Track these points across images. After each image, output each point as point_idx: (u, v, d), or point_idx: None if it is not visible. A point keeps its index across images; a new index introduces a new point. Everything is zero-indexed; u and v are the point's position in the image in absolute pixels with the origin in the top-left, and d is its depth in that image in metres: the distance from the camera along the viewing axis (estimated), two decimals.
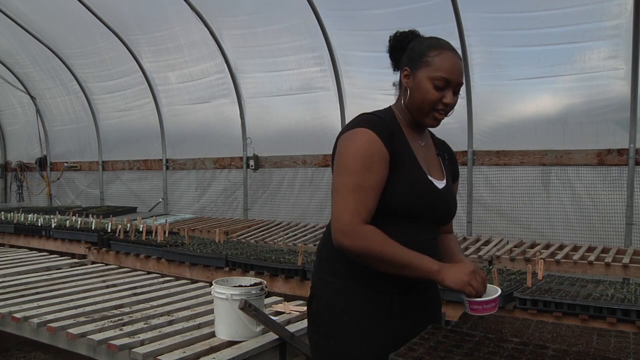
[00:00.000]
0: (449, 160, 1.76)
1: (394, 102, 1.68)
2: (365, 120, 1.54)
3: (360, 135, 1.49)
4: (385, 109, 1.65)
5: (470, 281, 1.45)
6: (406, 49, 1.61)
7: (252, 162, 7.17)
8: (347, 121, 7.05)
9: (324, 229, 1.74)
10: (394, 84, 1.68)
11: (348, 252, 1.48)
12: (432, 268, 1.46)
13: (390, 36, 1.65)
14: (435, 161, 1.69)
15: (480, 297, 1.48)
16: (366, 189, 1.47)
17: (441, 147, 1.77)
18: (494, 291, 1.54)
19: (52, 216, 6.37)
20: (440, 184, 1.63)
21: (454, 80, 1.55)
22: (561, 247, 4.38)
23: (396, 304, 1.58)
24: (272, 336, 2.41)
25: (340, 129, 1.60)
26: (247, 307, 2.27)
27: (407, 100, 1.59)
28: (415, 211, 1.56)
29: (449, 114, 1.60)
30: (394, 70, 1.67)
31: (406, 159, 1.54)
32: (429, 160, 1.65)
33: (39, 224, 5.87)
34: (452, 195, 1.69)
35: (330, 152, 1.61)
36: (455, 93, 1.57)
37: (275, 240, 5.04)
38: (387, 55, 1.67)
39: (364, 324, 1.55)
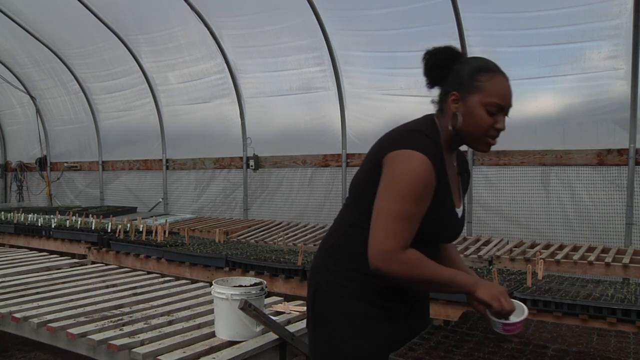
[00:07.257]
0: (467, 179, 1.75)
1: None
2: (422, 144, 1.48)
3: (418, 163, 1.44)
4: (430, 125, 1.58)
5: (500, 297, 1.47)
6: (448, 68, 1.55)
7: (252, 162, 7.17)
8: (347, 121, 7.00)
9: (330, 229, 1.72)
10: (432, 102, 1.62)
11: (387, 277, 1.46)
12: (468, 281, 1.51)
13: (426, 52, 1.57)
14: (456, 184, 1.64)
15: (506, 317, 1.50)
16: (414, 218, 1.46)
17: (462, 165, 1.72)
18: (520, 309, 1.54)
19: (52, 216, 6.36)
20: (459, 211, 1.62)
21: (507, 105, 1.53)
22: (561, 247, 4.38)
23: (401, 309, 1.60)
24: (272, 336, 2.41)
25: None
26: (247, 307, 2.27)
27: (459, 126, 1.55)
28: (432, 238, 1.58)
29: None
30: (430, 87, 1.60)
31: (442, 190, 1.51)
32: (454, 185, 1.62)
33: (39, 224, 5.86)
34: (464, 219, 1.69)
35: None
36: (506, 115, 1.55)
37: (275, 240, 5.04)
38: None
39: (368, 326, 1.55)
